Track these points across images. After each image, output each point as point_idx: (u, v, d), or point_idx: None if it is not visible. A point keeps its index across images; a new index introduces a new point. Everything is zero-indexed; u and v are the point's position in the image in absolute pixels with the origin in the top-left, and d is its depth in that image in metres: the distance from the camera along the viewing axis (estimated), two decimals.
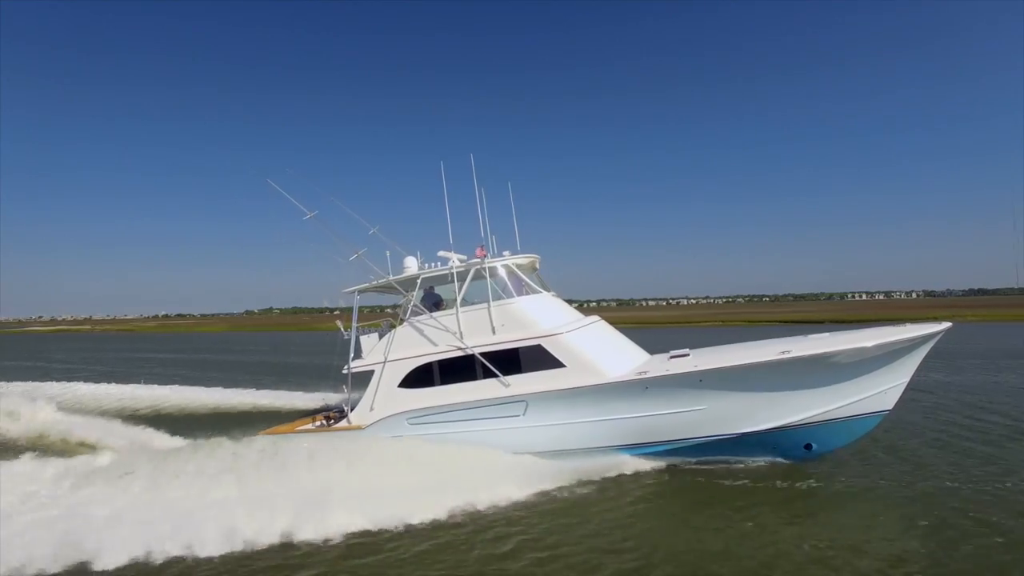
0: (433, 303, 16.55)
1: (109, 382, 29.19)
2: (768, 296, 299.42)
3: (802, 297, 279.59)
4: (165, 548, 9.86)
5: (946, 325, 13.28)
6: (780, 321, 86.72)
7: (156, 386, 27.72)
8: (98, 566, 9.45)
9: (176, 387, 27.42)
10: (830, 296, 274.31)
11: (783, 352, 13.32)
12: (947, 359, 32.30)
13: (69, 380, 30.56)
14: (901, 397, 13.80)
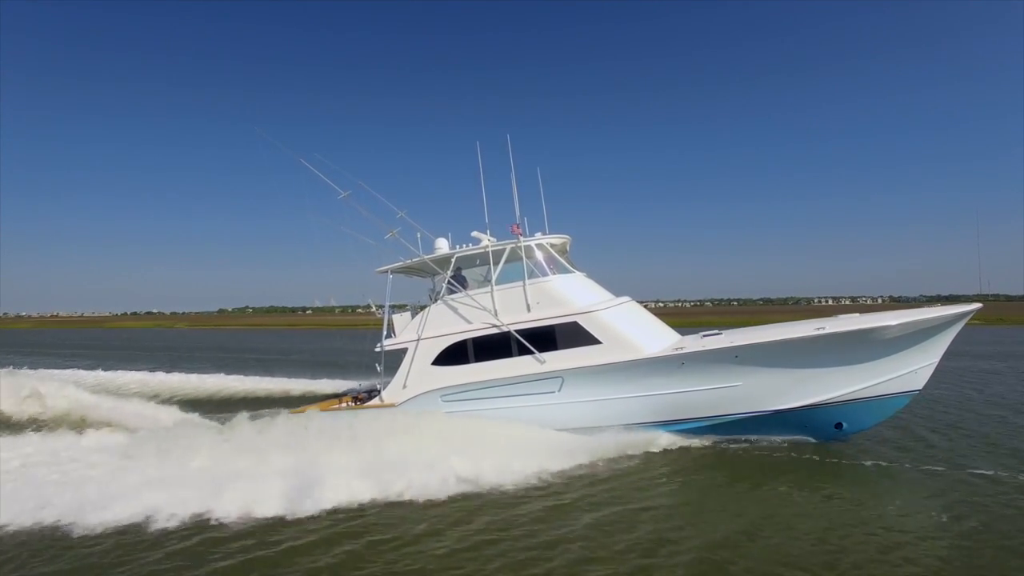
0: (461, 283, 16.62)
1: None
2: (737, 300, 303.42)
3: (771, 301, 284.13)
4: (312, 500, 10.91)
5: (976, 306, 13.55)
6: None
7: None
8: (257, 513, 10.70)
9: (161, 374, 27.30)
10: (797, 301, 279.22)
11: (818, 328, 13.67)
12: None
13: None
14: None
